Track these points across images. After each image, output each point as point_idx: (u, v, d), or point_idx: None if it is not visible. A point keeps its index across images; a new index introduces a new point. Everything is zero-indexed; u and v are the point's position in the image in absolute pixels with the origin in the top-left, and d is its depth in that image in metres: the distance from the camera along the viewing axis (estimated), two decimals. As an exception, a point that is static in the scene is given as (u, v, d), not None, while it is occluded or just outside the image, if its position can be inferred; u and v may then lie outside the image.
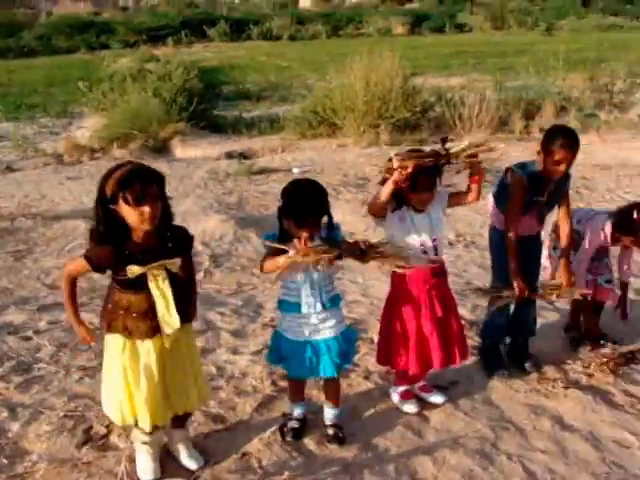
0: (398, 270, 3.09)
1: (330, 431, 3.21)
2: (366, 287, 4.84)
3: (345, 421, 3.30)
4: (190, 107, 12.24)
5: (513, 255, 3.50)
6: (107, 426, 3.29)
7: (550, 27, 29.99)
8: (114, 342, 2.74)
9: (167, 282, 2.67)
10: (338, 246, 2.87)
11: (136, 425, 2.89)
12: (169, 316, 2.69)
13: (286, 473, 2.85)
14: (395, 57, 11.44)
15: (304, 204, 2.85)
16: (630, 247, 3.95)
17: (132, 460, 2.99)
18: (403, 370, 3.39)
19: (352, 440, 3.20)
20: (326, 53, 20.95)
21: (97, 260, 2.66)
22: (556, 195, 3.61)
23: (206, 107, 13.18)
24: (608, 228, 3.84)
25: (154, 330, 2.71)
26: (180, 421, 3.07)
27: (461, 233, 6.18)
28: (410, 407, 3.44)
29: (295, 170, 9.00)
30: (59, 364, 3.98)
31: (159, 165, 7.97)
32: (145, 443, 2.95)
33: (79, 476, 2.97)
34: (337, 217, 3.12)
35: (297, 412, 3.29)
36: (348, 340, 3.18)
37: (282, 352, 3.11)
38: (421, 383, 3.55)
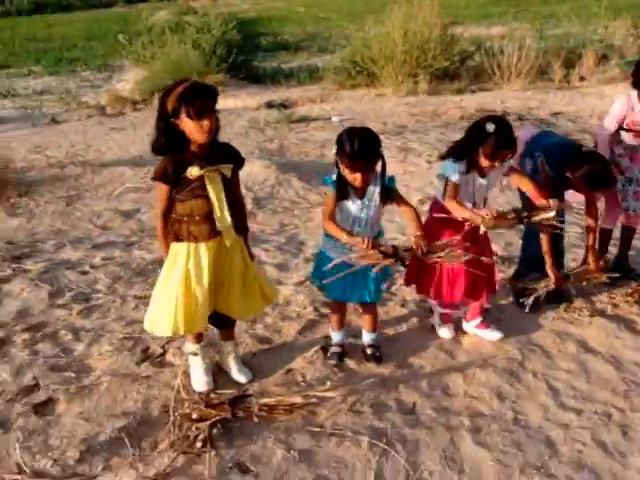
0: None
1: (368, 351, 3.45)
2: (403, 226, 5.02)
3: (382, 343, 3.53)
4: (229, 58, 12.39)
5: (548, 251, 3.68)
6: (163, 346, 3.59)
7: (595, -27, 29.09)
8: (180, 250, 3.00)
9: (222, 185, 2.94)
10: (396, 253, 3.06)
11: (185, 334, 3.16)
12: (223, 216, 2.96)
13: (328, 383, 3.10)
14: (434, 6, 11.40)
15: (357, 147, 3.00)
16: None
17: (187, 375, 3.27)
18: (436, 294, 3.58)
19: (389, 359, 3.43)
20: (364, 3, 20.74)
21: (161, 173, 2.91)
22: None
23: (245, 58, 13.31)
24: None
25: (215, 232, 2.99)
26: (227, 329, 3.34)
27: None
28: (445, 332, 3.65)
29: (334, 119, 9.14)
30: (115, 294, 4.27)
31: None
32: (196, 354, 3.24)
33: (140, 388, 3.26)
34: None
35: (337, 339, 3.51)
36: (385, 271, 3.37)
37: (325, 271, 3.30)
38: (477, 321, 3.66)
